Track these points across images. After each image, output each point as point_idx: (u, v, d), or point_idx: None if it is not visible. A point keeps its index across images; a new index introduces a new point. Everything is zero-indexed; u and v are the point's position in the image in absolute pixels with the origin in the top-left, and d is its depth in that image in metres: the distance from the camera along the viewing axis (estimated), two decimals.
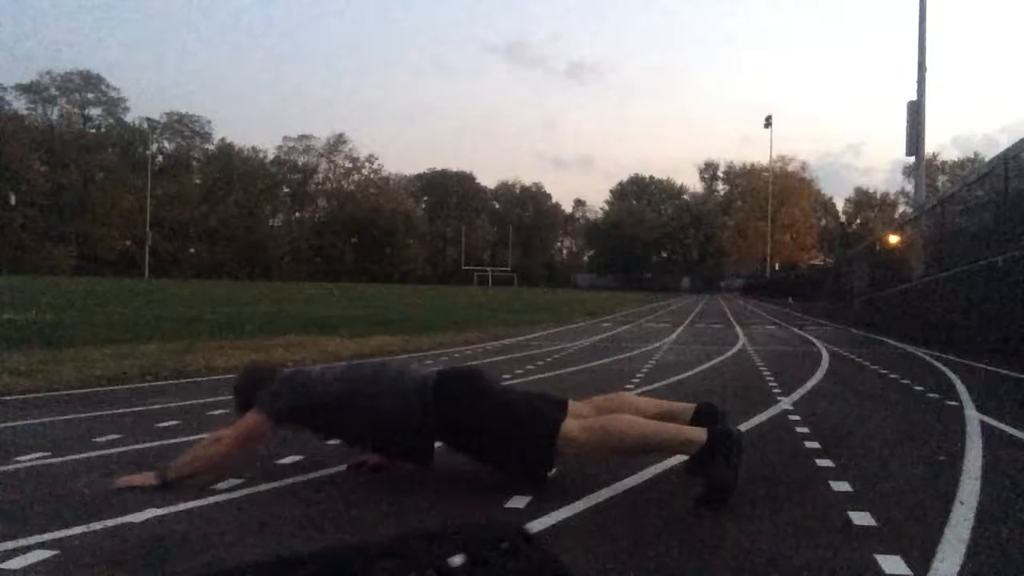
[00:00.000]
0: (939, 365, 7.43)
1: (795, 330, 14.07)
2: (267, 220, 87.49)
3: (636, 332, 12.42)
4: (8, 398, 4.41)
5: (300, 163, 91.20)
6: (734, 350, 9.03)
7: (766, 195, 64.44)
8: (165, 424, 3.72)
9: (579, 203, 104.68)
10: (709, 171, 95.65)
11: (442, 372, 2.79)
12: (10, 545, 2.00)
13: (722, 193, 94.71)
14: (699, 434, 2.51)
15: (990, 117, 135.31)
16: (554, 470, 2.84)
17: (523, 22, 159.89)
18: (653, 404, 2.89)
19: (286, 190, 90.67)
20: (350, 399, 2.70)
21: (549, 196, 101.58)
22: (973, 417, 4.31)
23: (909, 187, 60.11)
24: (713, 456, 2.44)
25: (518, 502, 2.45)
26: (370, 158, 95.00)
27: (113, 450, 3.15)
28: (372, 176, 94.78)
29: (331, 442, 3.03)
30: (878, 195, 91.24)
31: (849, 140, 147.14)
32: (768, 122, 56.82)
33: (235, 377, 3.03)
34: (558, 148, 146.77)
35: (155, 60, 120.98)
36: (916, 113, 17.17)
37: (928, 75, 17.15)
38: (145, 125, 77.23)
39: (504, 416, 2.64)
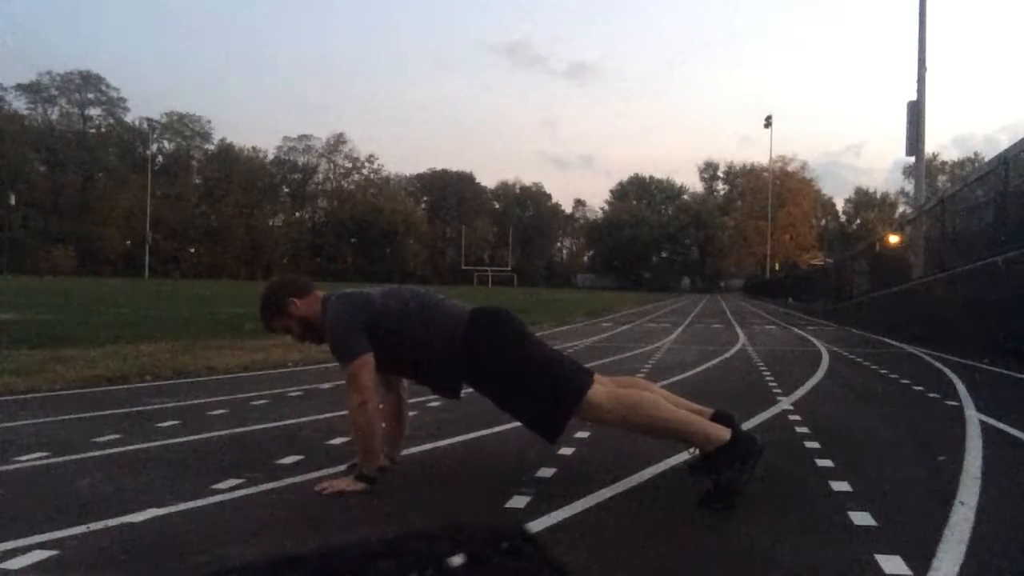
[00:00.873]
0: (939, 365, 7.43)
1: (795, 330, 14.07)
2: (267, 220, 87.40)
3: (636, 332, 12.42)
4: (8, 398, 4.41)
5: (300, 163, 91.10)
6: (734, 350, 9.03)
7: (766, 195, 64.39)
8: (165, 424, 3.72)
9: (579, 203, 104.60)
10: (709, 171, 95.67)
11: (475, 310, 2.73)
12: (10, 545, 2.00)
13: (722, 193, 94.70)
14: (722, 432, 2.48)
15: (990, 117, 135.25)
16: (555, 470, 2.84)
17: (524, 22, 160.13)
18: (672, 398, 2.84)
19: (286, 190, 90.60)
20: (397, 321, 2.66)
21: (549, 196, 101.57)
22: (973, 417, 4.31)
23: (909, 187, 60.09)
24: (731, 457, 2.43)
25: (518, 502, 2.45)
26: (370, 158, 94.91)
27: (113, 450, 3.15)
28: (372, 176, 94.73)
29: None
30: (878, 195, 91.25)
31: (849, 140, 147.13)
32: (768, 122, 56.81)
33: (262, 293, 2.83)
34: (558, 148, 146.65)
35: (155, 60, 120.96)
36: (916, 113, 17.18)
37: (928, 75, 17.17)
38: (145, 125, 77.22)
39: (532, 365, 2.60)
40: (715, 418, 2.66)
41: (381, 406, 2.83)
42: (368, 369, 2.61)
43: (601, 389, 2.58)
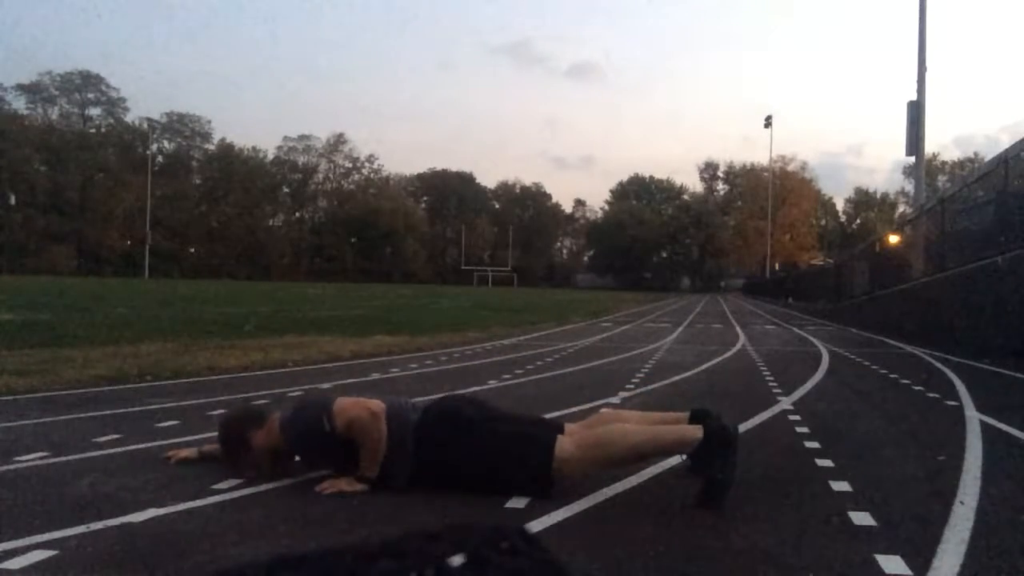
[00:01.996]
0: (939, 365, 7.43)
1: (795, 330, 14.07)
2: (267, 220, 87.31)
3: (636, 332, 12.42)
4: (8, 398, 4.41)
5: (300, 163, 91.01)
6: (734, 350, 9.03)
7: (766, 195, 64.44)
8: (165, 424, 3.72)
9: (579, 203, 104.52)
10: (709, 171, 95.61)
11: (420, 420, 2.66)
12: (10, 545, 2.00)
13: (722, 193, 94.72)
14: (694, 431, 2.49)
15: (990, 117, 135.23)
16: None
17: (526, 23, 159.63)
18: (644, 416, 2.85)
19: (286, 190, 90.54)
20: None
21: (549, 196, 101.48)
22: (973, 417, 4.31)
23: (909, 187, 60.06)
24: (711, 451, 2.43)
25: (518, 502, 2.45)
26: (370, 158, 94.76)
27: (113, 450, 3.15)
28: (372, 176, 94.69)
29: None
30: (878, 195, 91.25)
31: (849, 140, 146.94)
32: (768, 122, 56.80)
33: (219, 425, 2.89)
34: (558, 148, 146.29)
35: (155, 60, 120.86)
36: (916, 113, 17.19)
37: (928, 75, 17.19)
38: (145, 125, 77.17)
39: (493, 450, 2.57)
40: (693, 416, 2.66)
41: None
42: (347, 399, 2.63)
43: (567, 441, 2.56)
